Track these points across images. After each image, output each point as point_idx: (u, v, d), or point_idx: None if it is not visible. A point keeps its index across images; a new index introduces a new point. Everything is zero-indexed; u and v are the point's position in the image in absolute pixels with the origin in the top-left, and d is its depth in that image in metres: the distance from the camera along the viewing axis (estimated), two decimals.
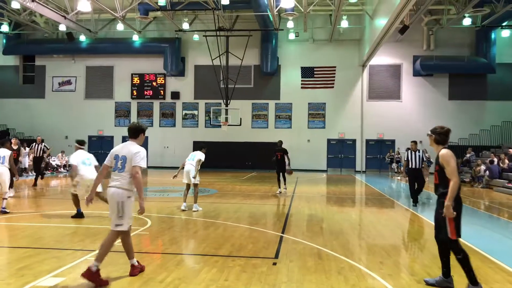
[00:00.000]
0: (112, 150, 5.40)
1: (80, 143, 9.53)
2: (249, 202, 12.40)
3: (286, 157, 14.69)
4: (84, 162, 9.10)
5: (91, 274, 4.90)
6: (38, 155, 16.12)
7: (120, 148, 5.31)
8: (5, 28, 25.81)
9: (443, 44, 26.58)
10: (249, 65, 27.40)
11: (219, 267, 5.73)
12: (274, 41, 27.01)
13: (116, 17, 23.06)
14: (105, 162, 5.35)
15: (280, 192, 14.52)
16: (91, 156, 9.41)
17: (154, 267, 5.76)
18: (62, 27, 24.66)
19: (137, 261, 5.46)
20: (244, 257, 6.29)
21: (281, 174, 14.64)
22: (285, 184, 14.84)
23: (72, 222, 8.77)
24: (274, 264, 5.96)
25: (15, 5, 21.04)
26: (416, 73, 27.04)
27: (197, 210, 10.43)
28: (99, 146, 28.82)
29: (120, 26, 24.95)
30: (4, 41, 28.19)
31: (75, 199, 9.16)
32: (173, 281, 5.17)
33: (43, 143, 16.38)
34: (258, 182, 18.59)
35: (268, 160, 27.80)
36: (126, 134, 5.55)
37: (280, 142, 15.08)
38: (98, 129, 28.87)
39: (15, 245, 6.95)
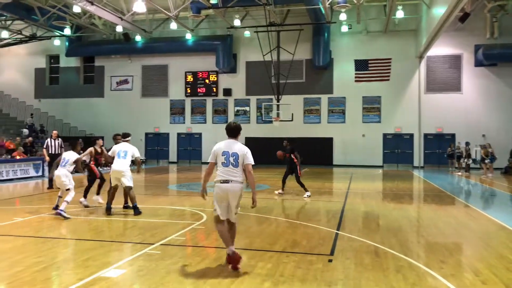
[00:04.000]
0: (216, 148, 5.64)
1: (123, 135, 9.70)
2: (302, 198, 12.30)
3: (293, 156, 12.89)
4: (119, 154, 9.23)
5: (235, 257, 5.37)
6: (55, 152, 14.80)
7: (226, 146, 5.60)
8: (67, 31, 27.18)
9: (508, 32, 24.97)
10: (301, 60, 27.16)
11: (274, 263, 5.72)
12: (326, 34, 26.58)
13: (169, 16, 23.61)
14: (210, 160, 5.66)
15: (281, 193, 12.96)
16: (134, 149, 9.43)
17: (210, 261, 5.84)
18: (119, 28, 25.59)
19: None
20: (299, 253, 6.24)
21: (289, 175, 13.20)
22: (304, 188, 12.83)
23: (132, 216, 9.08)
24: (330, 261, 5.86)
25: (76, 9, 22.17)
26: (478, 63, 25.61)
27: None
28: (156, 143, 29.74)
29: (173, 25, 25.53)
30: (67, 43, 29.68)
31: (111, 192, 9.33)
32: (228, 275, 5.22)
33: (59, 139, 15.33)
34: (311, 178, 18.40)
35: (320, 156, 27.76)
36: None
37: (287, 142, 13.61)
38: (155, 127, 29.77)
39: (81, 238, 7.30)
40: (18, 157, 18.53)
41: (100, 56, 30.44)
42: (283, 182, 13.12)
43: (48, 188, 14.05)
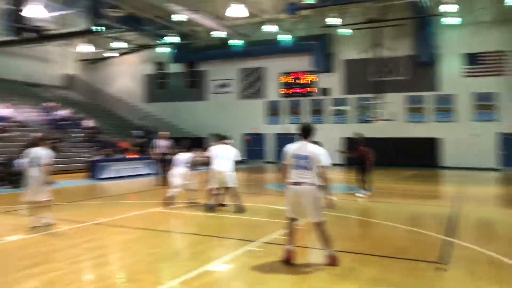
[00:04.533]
0: (288, 150, 5.67)
1: (222, 138, 9.95)
2: (407, 202, 11.71)
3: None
4: (218, 155, 9.38)
5: (333, 259, 5.49)
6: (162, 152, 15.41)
7: (297, 148, 5.60)
8: (173, 39, 29.02)
9: None
10: (403, 56, 25.90)
11: (379, 268, 5.51)
12: (430, 28, 25.03)
13: (266, 19, 24.03)
14: (284, 162, 5.70)
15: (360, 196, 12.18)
16: (231, 151, 9.57)
17: (311, 261, 5.80)
18: (219, 34, 26.62)
19: (333, 253, 5.59)
20: (406, 259, 5.94)
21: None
22: (364, 187, 12.28)
23: (234, 214, 9.36)
24: (440, 269, 5.49)
25: (181, 18, 23.65)
26: None
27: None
28: (253, 143, 30.44)
29: (269, 28, 25.94)
30: (173, 51, 31.71)
31: (212, 192, 9.53)
32: (331, 277, 5.14)
33: (167, 140, 15.77)
34: (416, 181, 17.45)
35: (424, 157, 26.15)
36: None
37: (360, 136, 13.16)
38: (251, 127, 30.50)
39: (188, 232, 7.71)
40: (131, 157, 20.20)
41: (202, 61, 32.00)
42: (362, 181, 12.44)
43: (156, 185, 15.10)
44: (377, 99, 24.12)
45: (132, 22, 26.05)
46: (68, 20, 21.00)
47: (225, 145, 9.74)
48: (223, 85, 31.67)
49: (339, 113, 28.24)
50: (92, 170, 17.58)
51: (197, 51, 31.41)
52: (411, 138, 25.46)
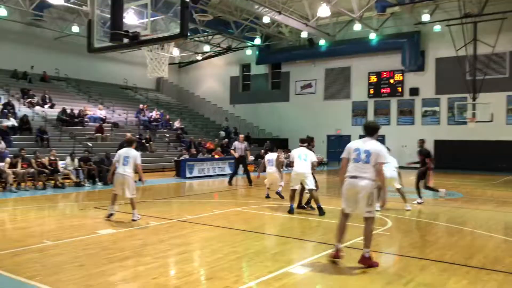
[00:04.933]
0: (349, 146, 5.74)
1: (301, 141, 9.96)
2: (504, 210, 10.69)
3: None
4: (300, 156, 9.45)
5: (366, 260, 5.43)
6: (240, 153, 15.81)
7: (360, 143, 5.66)
8: (258, 41, 29.45)
9: None
10: (503, 52, 23.79)
11: (471, 279, 5.07)
12: None
13: (353, 18, 23.43)
14: (342, 156, 5.75)
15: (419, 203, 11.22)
16: (310, 153, 9.61)
17: (396, 269, 5.50)
18: (304, 34, 26.49)
19: (369, 255, 5.48)
20: (502, 272, 5.40)
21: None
22: (419, 195, 11.44)
23: (315, 216, 9.20)
24: None
25: (265, 19, 23.95)
26: None
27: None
28: (337, 145, 29.83)
29: (357, 27, 25.24)
30: (257, 52, 32.18)
31: (292, 194, 9.57)
32: (417, 286, 4.83)
33: (245, 142, 16.15)
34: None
35: None
36: (363, 133, 5.78)
37: (422, 141, 11.96)
38: (336, 129, 29.93)
39: (269, 233, 7.71)
40: (216, 156, 20.82)
41: (286, 62, 32.07)
42: (417, 189, 11.54)
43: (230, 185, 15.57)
44: (472, 99, 22.38)
45: (219, 25, 26.88)
46: (160, 26, 22.27)
47: (303, 148, 9.74)
48: (307, 86, 31.45)
49: (429, 114, 26.69)
50: (178, 169, 18.38)
51: (281, 52, 31.56)
52: (511, 141, 23.32)
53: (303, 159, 9.42)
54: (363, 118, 28.84)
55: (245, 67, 34.74)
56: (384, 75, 28.10)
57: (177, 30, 5.97)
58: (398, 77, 27.65)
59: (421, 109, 26.94)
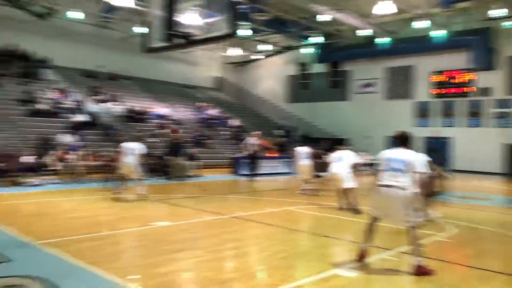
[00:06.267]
0: (383, 154, 5.75)
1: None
2: None
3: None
4: (336, 158, 9.83)
5: (418, 268, 5.21)
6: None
7: (394, 152, 5.65)
8: (316, 39, 29.17)
9: None
10: None
11: None
12: None
13: (417, 14, 22.55)
14: (377, 165, 5.77)
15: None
16: (349, 154, 9.88)
17: (451, 279, 5.24)
18: (364, 32, 25.86)
19: (421, 263, 5.26)
20: None
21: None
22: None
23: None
24: None
25: (324, 18, 23.66)
26: None
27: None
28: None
29: (420, 24, 24.24)
30: (316, 51, 31.86)
31: (339, 193, 9.89)
32: None
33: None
34: None
35: None
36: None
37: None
38: (395, 130, 28.94)
39: (320, 233, 7.65)
40: (272, 155, 20.90)
41: (346, 61, 31.50)
42: None
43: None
44: None
45: (278, 25, 26.90)
46: (215, 26, 22.74)
47: (343, 151, 10.08)
48: (367, 85, 30.71)
49: (501, 115, 25.10)
50: (235, 166, 18.65)
51: (340, 51, 31.02)
52: None
53: (339, 160, 9.81)
54: (425, 119, 27.71)
55: (304, 66, 34.49)
56: (449, 74, 26.77)
57: (227, 30, 6.09)
58: (465, 76, 26.23)
59: (492, 110, 25.40)
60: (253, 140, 16.31)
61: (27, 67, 22.90)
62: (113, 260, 5.53)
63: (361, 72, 30.80)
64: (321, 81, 33.07)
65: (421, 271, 5.21)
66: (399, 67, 29.05)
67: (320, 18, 24.20)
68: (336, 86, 32.39)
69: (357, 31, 26.74)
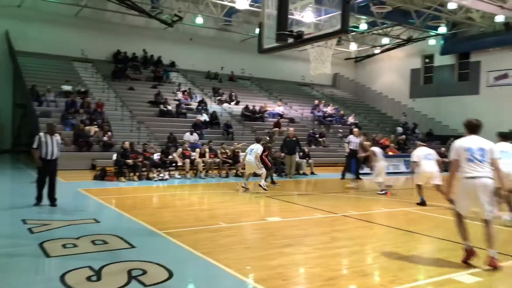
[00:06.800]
0: (457, 145, 5.48)
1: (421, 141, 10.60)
2: None
3: None
4: (427, 157, 9.98)
5: (492, 261, 5.14)
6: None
7: (469, 142, 5.43)
8: (442, 30, 27.08)
9: None
10: None
11: None
12: None
13: None
14: (452, 157, 5.51)
15: None
16: (433, 151, 10.20)
17: None
18: (499, 18, 23.33)
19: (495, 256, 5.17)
20: None
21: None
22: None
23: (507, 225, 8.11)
24: None
25: (451, 5, 21.85)
26: None
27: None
28: None
29: None
30: (442, 42, 29.58)
31: (419, 189, 10.09)
32: None
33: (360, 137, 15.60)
34: None
35: None
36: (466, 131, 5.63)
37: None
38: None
39: (437, 236, 7.15)
40: (390, 153, 20.01)
41: (476, 51, 28.72)
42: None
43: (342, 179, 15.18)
44: None
45: (399, 16, 25.64)
46: (328, 23, 22.42)
47: (426, 148, 10.19)
48: (502, 77, 27.65)
49: None
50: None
51: (470, 40, 28.42)
52: None
53: (429, 158, 9.93)
54: None
55: (428, 59, 32.33)
56: None
57: (338, 26, 6.00)
58: None
59: None
60: (354, 138, 15.64)
61: (156, 71, 25.22)
62: (225, 251, 5.83)
63: (495, 62, 27.81)
64: (447, 74, 30.73)
65: (493, 263, 5.14)
66: None
67: (446, 6, 22.44)
68: (464, 79, 29.82)
69: (491, 18, 24.23)
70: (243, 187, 11.61)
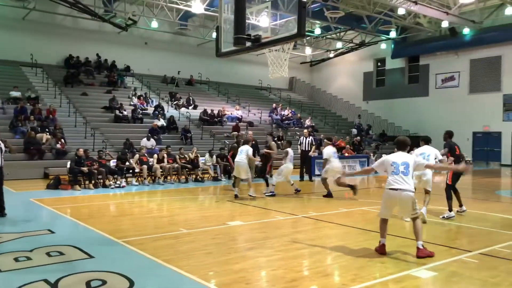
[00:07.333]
0: (384, 159, 6.09)
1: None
2: None
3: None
4: (334, 155, 11.41)
5: (421, 251, 5.63)
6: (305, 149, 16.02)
7: (395, 157, 5.94)
8: (393, 34, 28.11)
9: None
10: None
11: None
12: None
13: (505, 1, 20.90)
14: (374, 166, 6.32)
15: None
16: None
17: None
18: (445, 24, 24.52)
19: (423, 246, 5.68)
20: None
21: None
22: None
23: (454, 221, 8.49)
24: None
25: (401, 11, 22.80)
26: None
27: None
28: (485, 142, 27.00)
29: (509, 11, 22.45)
30: (392, 46, 30.70)
31: (324, 182, 11.54)
32: None
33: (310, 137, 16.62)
34: None
35: None
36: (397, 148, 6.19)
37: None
38: (484, 125, 27.04)
39: (395, 234, 7.36)
40: (346, 154, 20.49)
41: (424, 54, 30.01)
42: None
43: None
44: None
45: (352, 21, 26.37)
46: (284, 27, 22.78)
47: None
48: (449, 79, 29.03)
49: None
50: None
51: (419, 44, 29.69)
52: None
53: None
54: None
55: (380, 62, 33.48)
56: None
57: (295, 30, 6.09)
58: None
59: None
60: (304, 139, 16.25)
61: (110, 76, 24.62)
62: (186, 258, 5.75)
63: (442, 65, 29.21)
64: (398, 77, 31.91)
65: (422, 253, 5.61)
66: (485, 58, 27.19)
67: (396, 11, 23.32)
68: (415, 82, 31.06)
69: (438, 23, 25.40)
70: (235, 195, 11.28)
